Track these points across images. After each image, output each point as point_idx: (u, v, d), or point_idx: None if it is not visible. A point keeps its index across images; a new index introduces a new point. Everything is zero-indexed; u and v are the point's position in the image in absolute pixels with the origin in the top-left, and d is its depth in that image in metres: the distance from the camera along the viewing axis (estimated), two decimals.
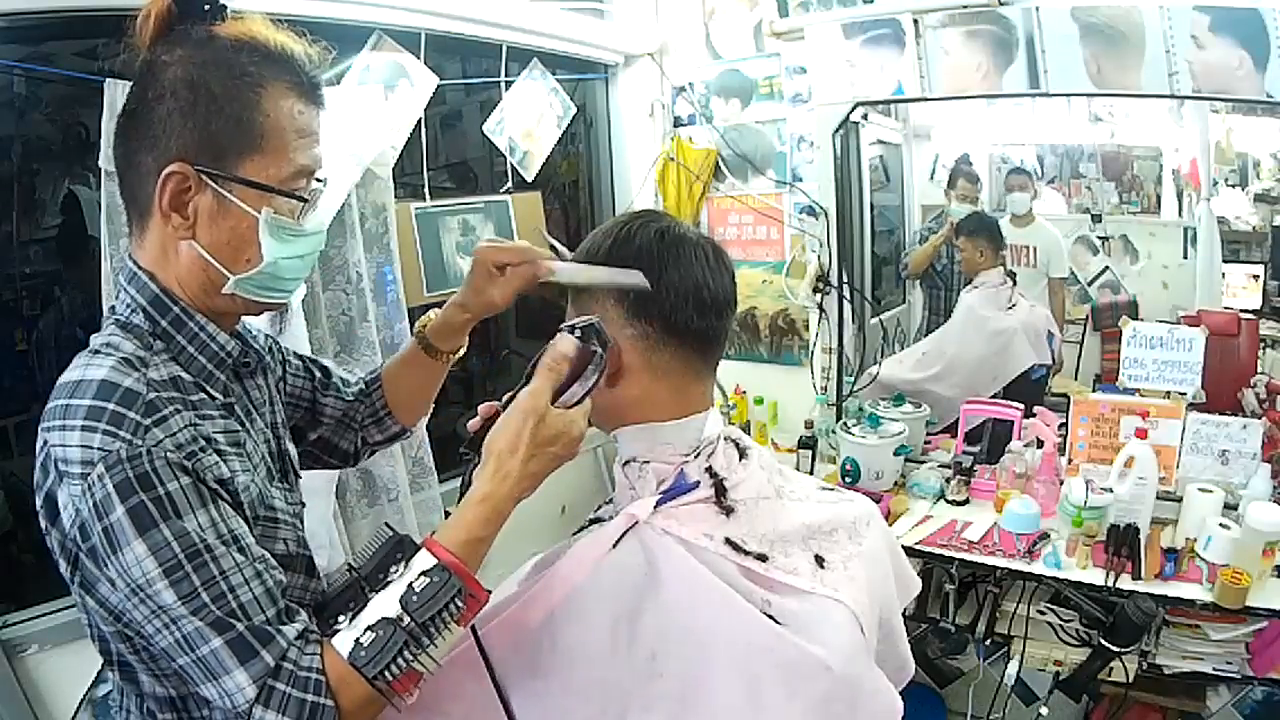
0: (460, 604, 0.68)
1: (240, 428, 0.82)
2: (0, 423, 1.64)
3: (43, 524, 0.72)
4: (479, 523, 0.71)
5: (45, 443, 0.69)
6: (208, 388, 0.79)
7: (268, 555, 0.73)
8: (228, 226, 0.76)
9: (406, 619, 0.66)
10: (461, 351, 1.09)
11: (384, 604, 0.68)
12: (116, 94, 1.33)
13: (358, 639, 0.67)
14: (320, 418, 1.07)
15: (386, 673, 0.66)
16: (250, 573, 0.69)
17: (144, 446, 0.67)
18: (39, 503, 0.71)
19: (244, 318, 0.87)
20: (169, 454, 0.68)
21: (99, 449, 0.66)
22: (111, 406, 0.68)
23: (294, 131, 0.77)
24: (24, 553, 1.53)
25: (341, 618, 0.69)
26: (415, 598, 0.67)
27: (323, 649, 0.68)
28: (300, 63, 0.79)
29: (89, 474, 0.66)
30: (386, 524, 0.75)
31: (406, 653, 0.66)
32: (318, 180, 0.82)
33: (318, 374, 1.07)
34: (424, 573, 0.68)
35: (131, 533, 0.66)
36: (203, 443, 0.73)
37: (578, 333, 0.75)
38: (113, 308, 0.80)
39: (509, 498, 0.72)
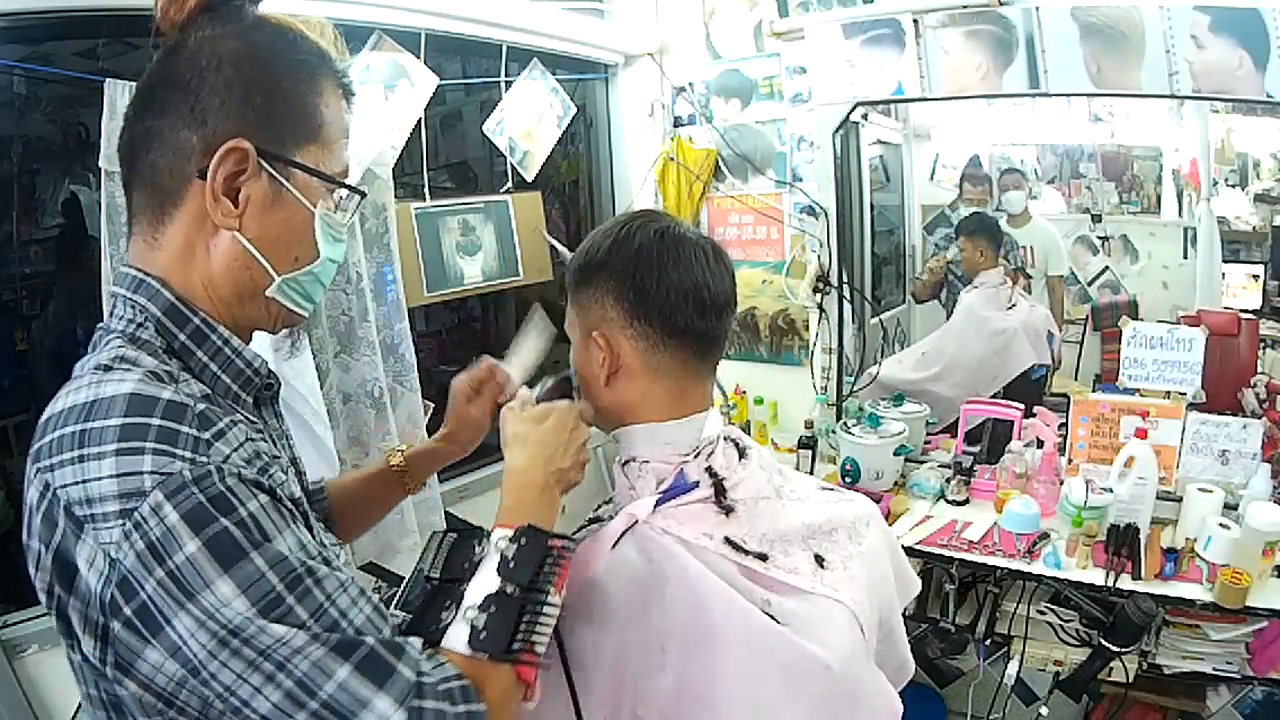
0: (559, 558, 0.68)
1: (278, 453, 0.74)
2: (0, 423, 1.64)
3: (45, 597, 0.58)
4: (518, 488, 0.74)
5: (47, 486, 0.56)
6: (239, 410, 0.69)
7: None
8: (280, 219, 0.68)
9: (511, 587, 0.65)
10: (422, 486, 1.07)
11: (483, 584, 0.65)
12: (116, 94, 1.33)
13: (472, 624, 0.63)
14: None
15: (514, 644, 0.63)
16: (355, 591, 0.59)
17: (211, 464, 0.55)
18: (41, 567, 0.57)
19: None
20: (241, 470, 0.57)
21: (151, 473, 0.53)
22: (158, 422, 0.55)
23: (340, 128, 0.73)
24: (24, 553, 1.53)
25: (444, 614, 0.66)
26: (512, 564, 0.66)
27: (443, 654, 0.62)
28: (340, 64, 0.75)
29: (136, 508, 0.53)
30: (446, 530, 0.75)
31: (525, 619, 0.65)
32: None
33: None
34: (509, 540, 0.68)
35: (213, 570, 0.53)
36: (266, 459, 0.61)
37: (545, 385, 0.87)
38: (104, 326, 0.67)
39: (532, 465, 0.76)
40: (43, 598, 0.59)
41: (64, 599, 0.57)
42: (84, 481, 0.54)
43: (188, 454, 0.55)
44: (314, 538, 0.62)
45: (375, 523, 1.10)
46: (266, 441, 0.71)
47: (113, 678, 0.57)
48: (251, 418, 0.71)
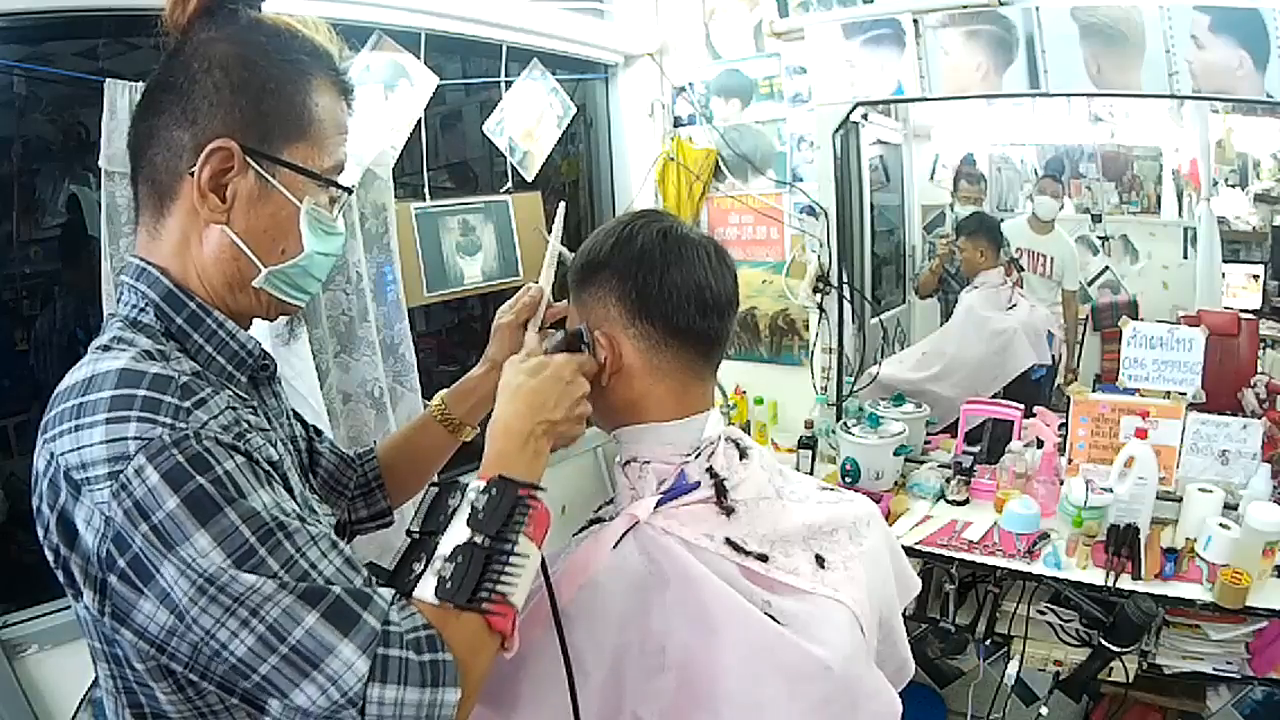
0: (528, 507, 0.68)
1: (269, 427, 0.76)
2: (0, 423, 1.65)
3: (52, 556, 0.63)
4: (498, 437, 0.74)
5: (51, 455, 0.60)
6: (231, 388, 0.73)
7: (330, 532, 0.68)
8: (267, 214, 0.72)
9: (479, 536, 0.66)
10: (475, 433, 1.04)
11: (454, 535, 0.66)
12: (116, 94, 1.33)
13: (439, 574, 0.64)
14: (315, 465, 0.99)
15: (480, 593, 0.64)
16: (326, 544, 0.63)
17: (189, 429, 0.59)
18: (47, 527, 0.62)
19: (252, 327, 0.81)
20: (218, 434, 0.61)
21: (135, 438, 0.58)
22: (143, 393, 0.60)
23: (334, 126, 0.75)
24: (24, 553, 1.53)
25: (416, 565, 0.67)
26: (480, 514, 0.67)
27: (414, 605, 0.64)
28: (339, 63, 0.77)
29: (122, 470, 0.57)
30: (433, 482, 0.74)
31: (492, 570, 0.65)
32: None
33: (310, 425, 1.01)
34: (481, 492, 0.68)
35: (191, 524, 0.57)
36: (246, 425, 0.66)
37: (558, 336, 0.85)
38: (112, 313, 0.73)
39: (516, 414, 0.75)
40: (50, 556, 0.63)
41: (67, 556, 0.61)
42: (79, 448, 0.59)
43: (168, 420, 0.59)
44: (295, 501, 0.66)
45: (430, 476, 1.10)
46: (258, 416, 0.74)
47: (111, 627, 0.62)
48: (244, 395, 0.74)
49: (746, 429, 2.38)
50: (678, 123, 2.50)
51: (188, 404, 0.61)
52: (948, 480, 2.05)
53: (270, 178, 0.71)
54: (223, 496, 0.59)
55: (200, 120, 0.69)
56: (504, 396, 0.77)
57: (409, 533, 0.72)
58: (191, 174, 0.69)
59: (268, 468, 0.64)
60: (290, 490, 0.67)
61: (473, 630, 0.64)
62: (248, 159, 0.69)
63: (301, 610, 0.58)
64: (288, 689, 0.58)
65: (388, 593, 0.63)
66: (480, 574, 0.64)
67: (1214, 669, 1.66)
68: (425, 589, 0.64)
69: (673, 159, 2.46)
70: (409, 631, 0.61)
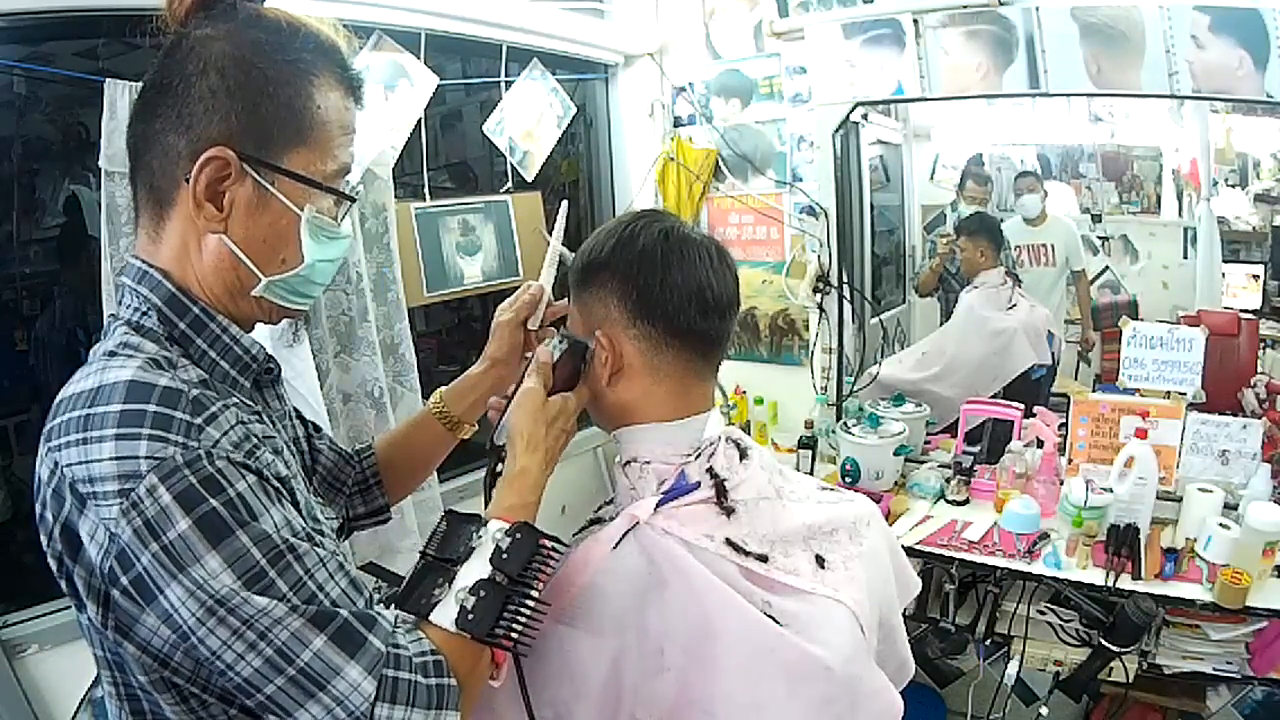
0: (547, 555, 0.70)
1: (274, 433, 0.75)
2: (0, 423, 1.65)
3: (55, 564, 0.63)
4: (526, 490, 0.76)
5: (56, 464, 0.60)
6: (235, 394, 0.72)
7: (338, 549, 0.68)
8: (266, 222, 0.69)
9: (501, 576, 0.67)
10: (473, 430, 1.05)
11: (475, 570, 0.68)
12: (116, 94, 1.33)
13: (461, 605, 0.66)
14: (315, 464, 0.98)
15: (497, 628, 0.66)
16: (334, 565, 0.63)
17: (201, 448, 0.59)
18: (50, 535, 0.62)
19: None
20: (229, 453, 0.60)
21: (146, 457, 0.57)
22: (153, 408, 0.59)
23: (339, 126, 0.72)
24: (24, 553, 1.53)
25: (436, 591, 0.68)
26: (505, 555, 0.68)
27: (422, 629, 0.66)
28: (347, 57, 0.74)
29: (133, 489, 0.57)
30: (450, 510, 0.74)
31: (510, 607, 0.67)
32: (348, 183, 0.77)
33: (309, 422, 1.00)
34: (505, 533, 0.70)
35: (202, 546, 0.57)
36: (256, 440, 0.65)
37: (562, 342, 0.84)
38: (114, 314, 0.71)
39: (540, 467, 0.78)
40: (53, 564, 0.63)
41: (70, 566, 0.62)
42: (87, 462, 0.58)
43: (180, 439, 0.58)
44: (301, 514, 0.66)
45: (427, 473, 1.12)
46: (263, 423, 0.73)
47: (113, 640, 0.62)
48: (249, 400, 0.74)
49: (746, 429, 2.38)
50: (678, 123, 2.50)
51: (199, 421, 0.60)
52: (948, 480, 2.05)
53: (269, 186, 0.68)
54: (234, 519, 0.58)
55: (196, 126, 0.66)
56: (526, 446, 0.78)
57: (423, 554, 0.71)
58: (188, 181, 0.66)
59: (277, 484, 0.64)
60: (296, 503, 0.67)
61: (479, 660, 0.67)
62: (245, 167, 0.67)
63: (310, 633, 0.59)
64: (292, 709, 0.59)
65: (390, 614, 0.65)
66: (500, 609, 0.66)
67: (1214, 669, 1.66)
68: (444, 616, 0.66)
69: (673, 159, 2.46)
70: (417, 655, 0.62)
